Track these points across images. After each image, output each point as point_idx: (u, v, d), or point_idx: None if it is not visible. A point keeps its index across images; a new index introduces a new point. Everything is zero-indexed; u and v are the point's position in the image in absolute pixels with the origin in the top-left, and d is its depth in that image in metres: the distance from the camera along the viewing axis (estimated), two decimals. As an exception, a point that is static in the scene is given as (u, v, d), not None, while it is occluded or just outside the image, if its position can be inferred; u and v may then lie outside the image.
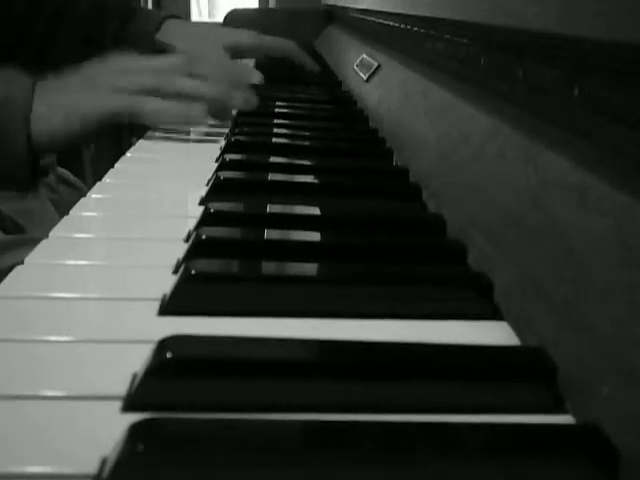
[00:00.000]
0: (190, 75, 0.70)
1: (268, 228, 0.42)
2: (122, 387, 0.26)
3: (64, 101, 0.63)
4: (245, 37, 1.04)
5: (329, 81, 1.13)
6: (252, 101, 0.75)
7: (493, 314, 0.34)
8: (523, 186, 0.37)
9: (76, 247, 0.40)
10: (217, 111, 0.73)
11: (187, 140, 0.73)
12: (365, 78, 0.91)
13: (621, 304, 0.26)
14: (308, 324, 0.32)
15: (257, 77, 0.88)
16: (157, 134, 0.73)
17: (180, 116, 0.67)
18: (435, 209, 0.48)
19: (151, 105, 0.64)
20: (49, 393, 0.26)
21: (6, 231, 0.80)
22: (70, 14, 0.96)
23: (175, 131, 0.73)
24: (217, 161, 0.60)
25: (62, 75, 0.67)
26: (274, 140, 0.67)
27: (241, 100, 0.74)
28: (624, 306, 0.26)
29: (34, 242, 0.40)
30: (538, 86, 0.43)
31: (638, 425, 0.23)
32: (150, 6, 2.72)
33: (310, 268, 0.38)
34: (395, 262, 0.39)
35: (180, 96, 0.67)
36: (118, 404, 0.25)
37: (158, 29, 0.95)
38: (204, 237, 0.38)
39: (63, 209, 0.48)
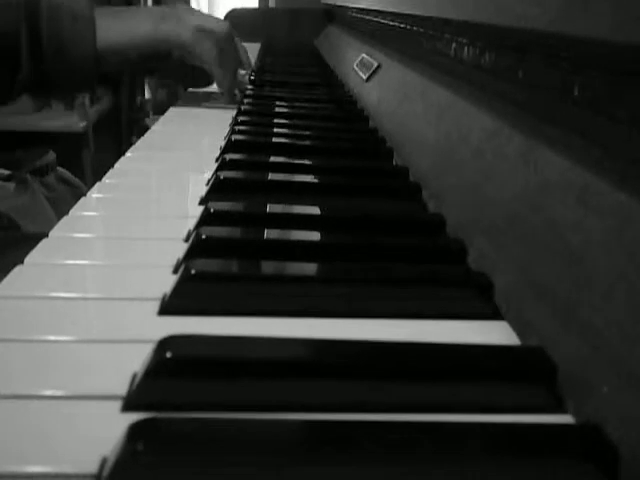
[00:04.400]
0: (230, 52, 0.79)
1: (268, 228, 0.42)
2: (122, 387, 0.26)
3: (129, 18, 0.72)
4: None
5: (329, 80, 1.13)
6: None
7: (493, 314, 0.34)
8: (523, 186, 0.37)
9: (76, 247, 0.40)
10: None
11: (187, 139, 0.73)
12: (365, 78, 0.91)
13: (621, 304, 0.26)
14: (308, 324, 0.32)
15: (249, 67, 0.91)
16: (158, 134, 0.73)
17: (224, 76, 0.78)
18: (435, 209, 0.48)
19: (208, 45, 0.72)
20: (49, 393, 0.26)
21: (2, 228, 0.81)
22: None
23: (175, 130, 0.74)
24: (217, 161, 0.60)
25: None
26: (274, 140, 0.67)
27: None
28: (624, 306, 0.26)
29: (30, 238, 0.40)
30: (538, 86, 0.43)
31: (638, 425, 0.23)
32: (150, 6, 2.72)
33: (310, 268, 0.38)
34: (395, 262, 0.39)
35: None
36: (118, 404, 0.25)
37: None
38: (204, 237, 0.38)
39: (63, 209, 0.48)
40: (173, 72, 0.88)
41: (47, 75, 0.70)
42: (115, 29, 0.71)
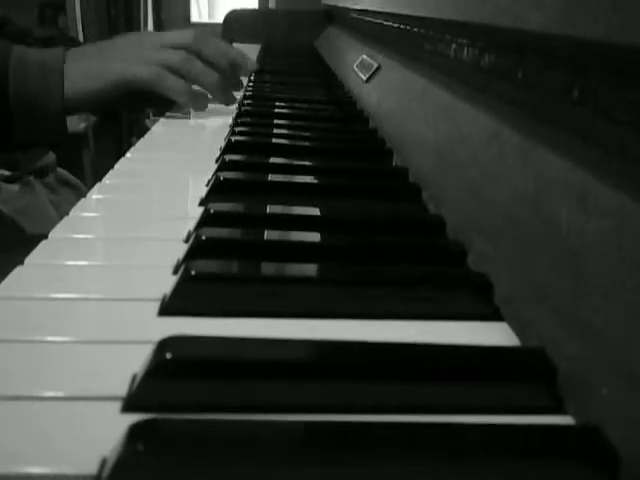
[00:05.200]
0: (200, 54, 0.78)
1: (268, 229, 0.42)
2: (122, 387, 0.26)
3: (94, 65, 0.72)
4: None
5: (329, 81, 1.13)
6: (253, 66, 0.87)
7: (493, 315, 0.34)
8: (523, 187, 0.37)
9: (76, 247, 0.40)
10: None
11: (187, 139, 0.73)
12: (365, 79, 0.91)
13: (621, 305, 0.26)
14: (308, 324, 0.32)
15: (253, 65, 0.90)
16: (157, 135, 0.73)
17: (192, 99, 0.77)
18: (435, 210, 0.48)
19: (171, 81, 0.73)
20: (49, 393, 0.26)
21: (5, 230, 0.81)
22: None
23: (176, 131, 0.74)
24: (217, 162, 0.60)
25: (92, 45, 0.79)
26: (274, 140, 0.67)
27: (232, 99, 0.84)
28: (624, 307, 0.26)
29: (30, 239, 0.40)
30: (538, 86, 0.43)
31: (638, 426, 0.23)
32: (150, 8, 2.73)
33: (310, 269, 0.38)
34: (395, 263, 0.39)
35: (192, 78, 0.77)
36: (118, 404, 0.25)
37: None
38: (204, 238, 0.38)
39: (63, 209, 0.48)
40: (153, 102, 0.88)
41: (13, 134, 0.70)
42: (82, 79, 0.70)
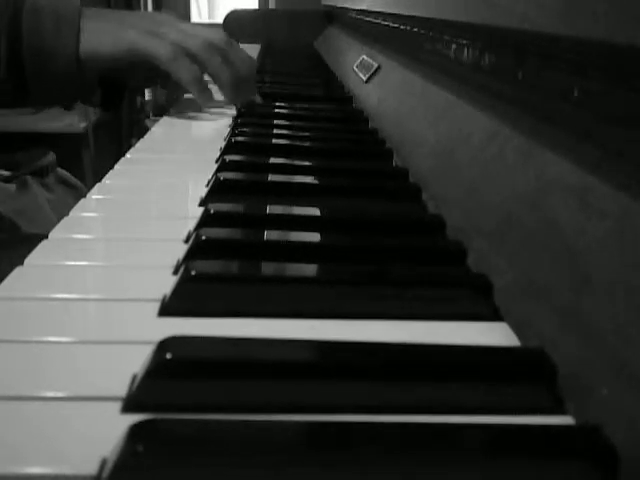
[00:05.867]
0: (225, 55, 0.77)
1: (268, 229, 0.42)
2: (122, 388, 0.26)
3: (112, 27, 0.70)
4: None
5: (329, 82, 1.13)
6: (255, 99, 0.84)
7: (493, 315, 0.34)
8: (523, 187, 0.37)
9: (76, 248, 0.40)
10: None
11: (187, 140, 0.73)
12: (365, 79, 0.91)
13: (621, 305, 0.26)
14: (308, 325, 0.32)
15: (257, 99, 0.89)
16: (158, 135, 0.73)
17: (199, 91, 0.75)
18: (435, 210, 0.48)
19: (183, 64, 0.72)
20: (49, 394, 0.26)
21: (3, 230, 0.81)
22: None
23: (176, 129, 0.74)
24: (217, 162, 0.60)
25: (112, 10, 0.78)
26: (274, 141, 0.67)
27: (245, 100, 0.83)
28: (624, 307, 0.26)
29: (30, 239, 0.40)
30: (538, 86, 0.43)
31: (638, 426, 0.23)
32: (150, 7, 2.72)
33: (310, 269, 0.38)
34: (395, 263, 0.39)
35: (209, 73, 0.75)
36: (118, 405, 0.25)
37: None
38: (204, 238, 0.38)
39: (63, 210, 0.48)
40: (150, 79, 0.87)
41: (26, 83, 0.68)
42: (97, 38, 0.69)
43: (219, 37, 0.77)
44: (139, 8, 2.62)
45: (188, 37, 0.74)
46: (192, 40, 0.74)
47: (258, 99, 0.86)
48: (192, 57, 0.73)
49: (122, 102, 0.87)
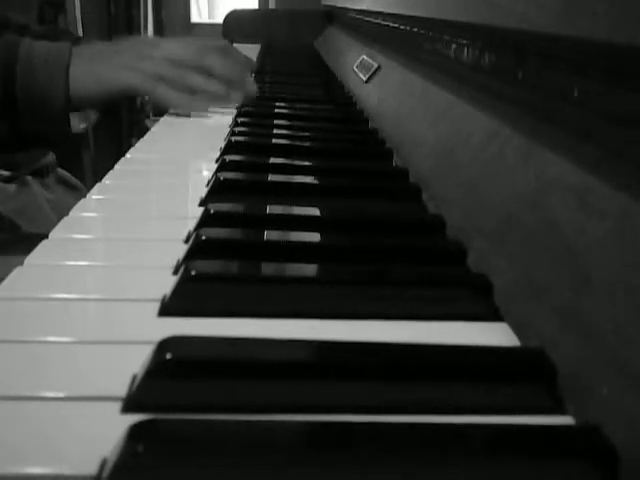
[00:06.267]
0: (201, 66, 0.83)
1: (268, 229, 0.42)
2: (122, 388, 0.26)
3: (97, 68, 0.77)
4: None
5: (329, 82, 1.13)
6: (252, 90, 0.88)
7: (493, 315, 0.34)
8: (523, 187, 0.37)
9: (76, 248, 0.40)
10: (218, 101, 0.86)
11: (187, 140, 0.73)
12: (365, 79, 0.91)
13: (621, 305, 0.26)
14: (308, 325, 0.32)
15: (252, 86, 0.91)
16: (157, 135, 0.73)
17: (184, 106, 0.81)
18: (435, 210, 0.48)
19: (161, 91, 0.79)
20: (49, 394, 0.26)
21: (3, 230, 0.82)
22: None
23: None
24: (217, 162, 0.60)
25: (96, 45, 0.86)
26: (274, 141, 0.67)
27: (239, 98, 0.86)
28: (624, 307, 0.26)
29: (30, 239, 0.40)
30: (538, 86, 0.43)
31: (638, 426, 0.23)
32: (150, 8, 2.72)
33: (310, 269, 0.38)
34: (395, 263, 0.39)
35: (189, 88, 0.81)
36: (118, 405, 0.25)
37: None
38: (204, 238, 0.38)
39: (63, 210, 0.48)
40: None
41: (20, 125, 0.73)
42: (85, 83, 0.75)
43: (188, 51, 0.83)
44: (139, 8, 2.62)
45: (163, 66, 0.80)
46: (167, 69, 0.80)
47: (254, 87, 0.89)
48: (171, 83, 0.80)
49: (120, 106, 0.93)
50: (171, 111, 0.83)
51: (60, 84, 0.73)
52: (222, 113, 0.83)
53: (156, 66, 0.80)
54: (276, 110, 0.84)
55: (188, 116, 0.82)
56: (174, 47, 0.83)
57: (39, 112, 0.73)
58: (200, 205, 0.48)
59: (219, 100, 0.84)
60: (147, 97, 0.82)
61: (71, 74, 0.73)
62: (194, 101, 0.82)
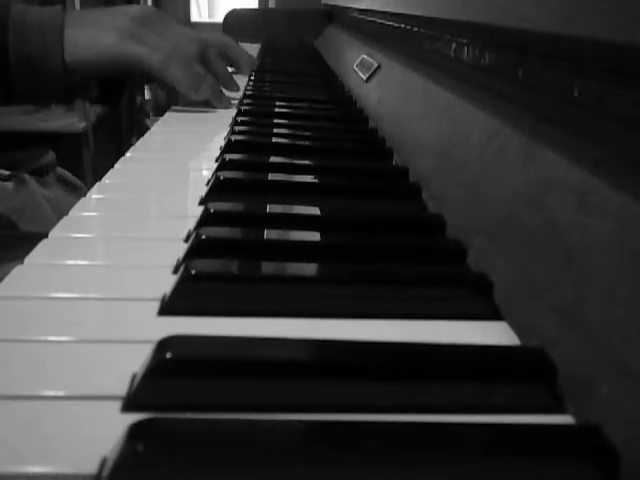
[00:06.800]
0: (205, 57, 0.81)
1: (268, 228, 0.42)
2: (122, 387, 0.26)
3: (95, 33, 0.72)
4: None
5: (329, 81, 1.13)
6: (227, 104, 0.86)
7: (493, 314, 0.34)
8: (523, 186, 0.37)
9: (76, 247, 0.40)
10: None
11: (187, 139, 0.73)
12: (365, 78, 0.91)
13: (621, 304, 0.26)
14: (308, 324, 0.32)
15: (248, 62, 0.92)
16: (157, 134, 0.73)
17: (196, 89, 0.79)
18: (435, 209, 0.48)
19: (174, 70, 0.75)
20: (49, 393, 0.26)
21: (0, 228, 0.81)
22: None
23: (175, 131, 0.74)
24: (217, 161, 0.60)
25: (88, 11, 0.81)
26: (274, 140, 0.67)
27: (227, 102, 0.86)
28: (624, 306, 0.26)
29: (30, 238, 0.40)
30: (538, 86, 0.43)
31: (638, 426, 0.23)
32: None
33: (310, 268, 0.38)
34: (395, 262, 0.39)
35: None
36: (118, 404, 0.25)
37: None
38: (204, 237, 0.38)
39: (62, 209, 0.48)
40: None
41: (15, 90, 0.71)
42: (81, 43, 0.71)
43: (196, 41, 0.80)
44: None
45: (179, 42, 0.77)
46: (181, 47, 0.77)
47: (228, 103, 0.88)
48: (180, 63, 0.76)
49: (122, 97, 0.88)
50: (181, 97, 0.84)
51: (54, 49, 0.69)
52: (222, 113, 0.83)
53: (165, 42, 0.76)
54: (276, 109, 0.84)
55: (197, 105, 0.82)
56: (186, 30, 0.80)
57: (33, 76, 0.70)
58: (200, 204, 0.48)
59: (214, 97, 0.83)
60: (148, 87, 0.81)
61: (66, 37, 0.70)
62: (204, 87, 0.80)
